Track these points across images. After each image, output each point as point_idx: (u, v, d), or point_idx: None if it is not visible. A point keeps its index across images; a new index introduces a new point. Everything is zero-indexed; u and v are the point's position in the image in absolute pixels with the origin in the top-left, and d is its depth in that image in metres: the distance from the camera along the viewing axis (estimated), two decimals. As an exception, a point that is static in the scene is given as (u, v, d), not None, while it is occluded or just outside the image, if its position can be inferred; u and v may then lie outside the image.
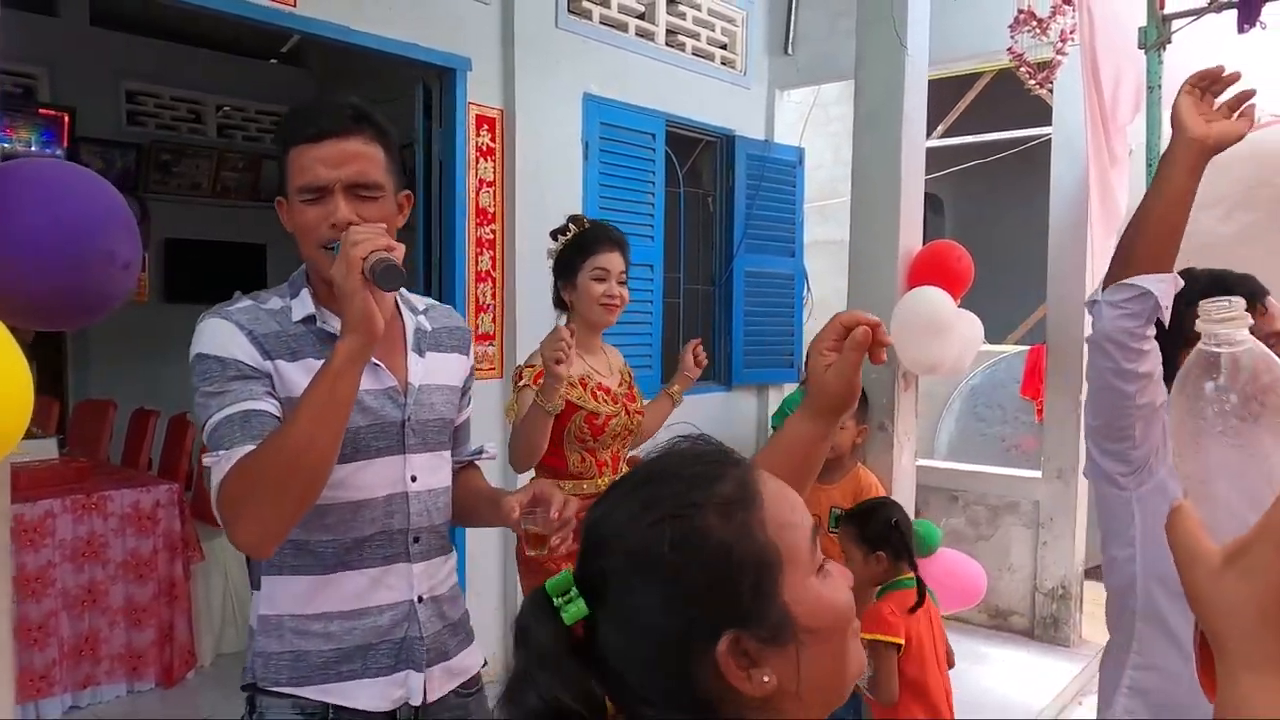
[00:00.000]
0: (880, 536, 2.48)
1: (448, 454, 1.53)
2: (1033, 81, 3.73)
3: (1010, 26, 3.66)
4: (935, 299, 3.16)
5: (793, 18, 5.14)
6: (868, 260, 3.40)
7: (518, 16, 3.81)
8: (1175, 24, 2.80)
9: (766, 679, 0.70)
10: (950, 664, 2.62)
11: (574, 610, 0.73)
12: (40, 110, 5.56)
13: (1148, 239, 1.45)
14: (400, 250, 1.24)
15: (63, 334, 5.74)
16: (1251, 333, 0.62)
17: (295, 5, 3.16)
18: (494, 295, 3.84)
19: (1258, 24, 2.64)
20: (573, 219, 2.47)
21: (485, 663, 1.60)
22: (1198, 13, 2.76)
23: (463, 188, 3.70)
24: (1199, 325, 0.62)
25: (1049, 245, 4.46)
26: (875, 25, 3.37)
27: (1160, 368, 1.46)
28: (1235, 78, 1.48)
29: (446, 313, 1.60)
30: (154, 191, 6.27)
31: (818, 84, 5.32)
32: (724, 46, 4.95)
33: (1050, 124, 4.55)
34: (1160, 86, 2.82)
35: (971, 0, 4.24)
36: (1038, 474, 4.54)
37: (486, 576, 3.82)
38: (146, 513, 3.71)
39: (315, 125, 1.33)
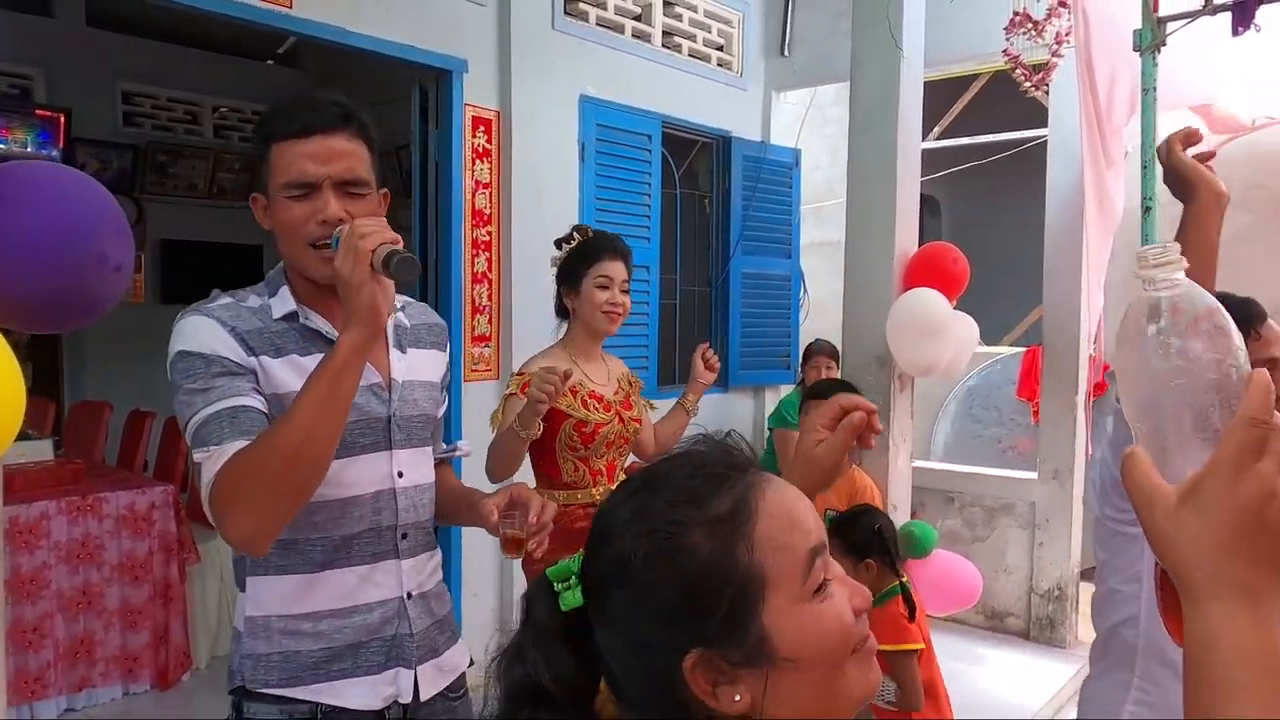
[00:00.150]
0: (866, 544, 2.47)
1: (430, 450, 1.53)
2: (1028, 84, 3.74)
3: (1006, 29, 3.66)
4: (931, 301, 3.16)
5: (789, 19, 5.14)
6: (864, 262, 3.41)
7: (514, 18, 3.81)
8: (1170, 26, 2.80)
9: (738, 698, 0.69)
10: None
11: (570, 599, 0.74)
12: (36, 111, 5.55)
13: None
14: (401, 244, 1.23)
15: (58, 335, 5.74)
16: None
17: (291, 6, 3.16)
18: (490, 297, 3.84)
19: (1252, 27, 2.64)
20: (577, 228, 2.50)
21: (471, 661, 1.58)
22: (1193, 15, 2.76)
23: (459, 189, 3.69)
24: (1137, 272, 0.63)
25: (1045, 247, 4.46)
26: (871, 28, 3.38)
27: None
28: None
29: (423, 309, 1.60)
30: (150, 192, 6.26)
31: (814, 85, 5.32)
32: (720, 48, 4.96)
33: (1046, 126, 4.56)
34: (1155, 89, 2.83)
35: (967, 2, 4.24)
36: (1033, 475, 4.55)
37: (482, 576, 3.82)
38: (142, 514, 3.70)
39: (301, 120, 1.33)
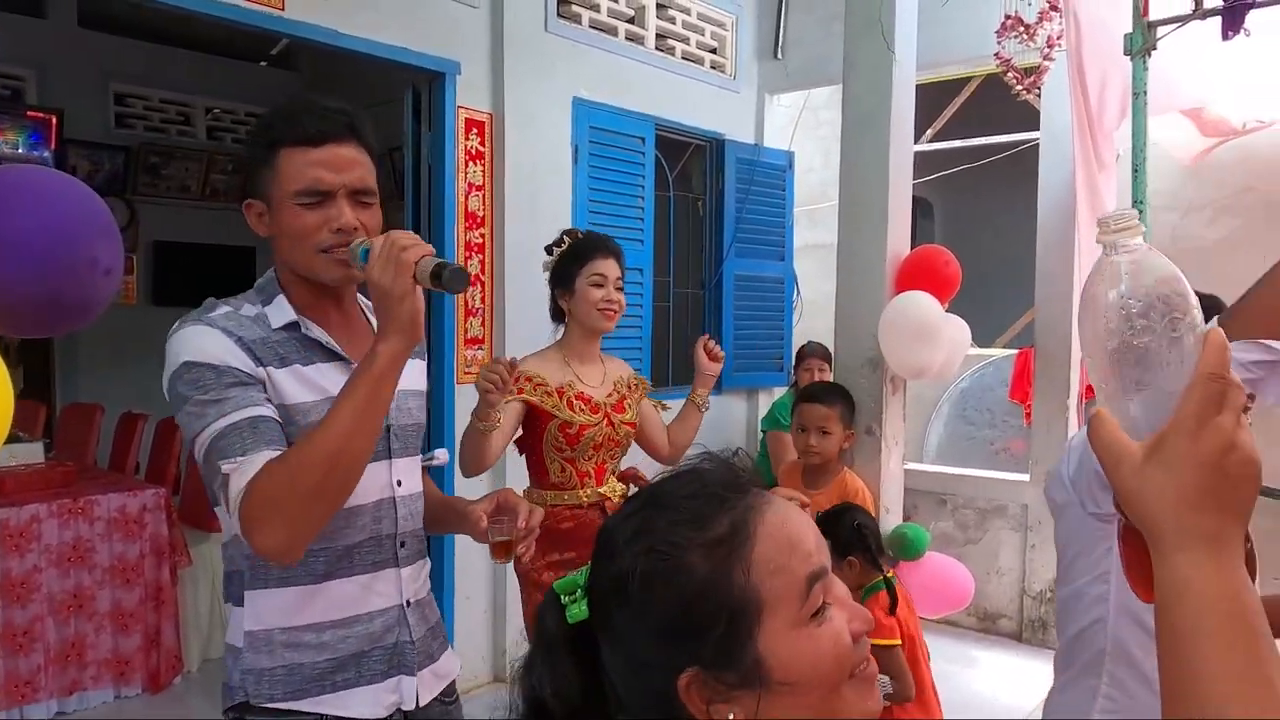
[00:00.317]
0: (848, 541, 2.48)
1: (419, 459, 1.55)
2: (1020, 87, 3.75)
3: (997, 32, 3.67)
4: (923, 304, 3.17)
5: (782, 22, 5.15)
6: (856, 264, 3.41)
7: (507, 20, 3.81)
8: (1161, 31, 2.81)
9: (731, 716, 0.70)
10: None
11: (575, 612, 0.74)
12: (28, 112, 5.53)
13: None
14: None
15: (49, 338, 5.72)
16: None
17: (283, 9, 3.16)
18: (483, 299, 3.83)
19: (1242, 31, 2.66)
20: (566, 232, 2.52)
21: (460, 666, 1.61)
22: (1183, 19, 2.78)
23: (452, 192, 3.69)
24: (1098, 238, 0.65)
25: (1037, 249, 4.48)
26: (863, 31, 3.39)
27: None
28: None
29: None
30: (142, 194, 6.25)
31: (808, 88, 5.33)
32: (714, 50, 4.97)
33: (1038, 129, 4.58)
34: (1145, 93, 2.84)
35: (960, 6, 4.25)
36: (1026, 477, 4.56)
37: (475, 581, 3.82)
38: (133, 517, 3.70)
39: (314, 128, 1.33)
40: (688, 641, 0.70)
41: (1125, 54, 2.86)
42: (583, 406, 2.39)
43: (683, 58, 4.74)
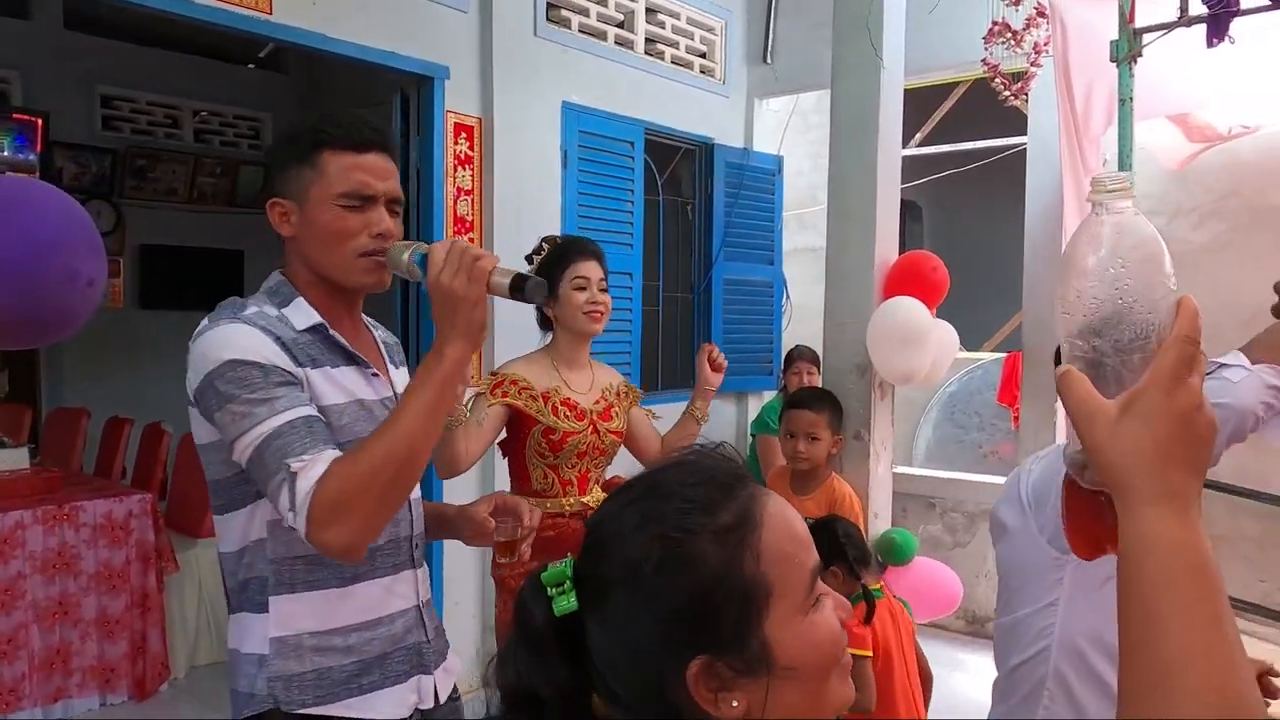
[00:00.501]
0: (831, 552, 2.48)
1: None
2: (1007, 92, 3.76)
3: (985, 38, 3.69)
4: (911, 309, 3.18)
5: (771, 26, 5.16)
6: (844, 270, 3.42)
7: (496, 25, 3.80)
8: (1146, 37, 2.83)
9: (735, 704, 0.70)
10: (924, 675, 2.62)
11: (564, 604, 0.74)
12: (14, 114, 5.49)
13: None
14: None
15: (35, 341, 5.68)
16: None
17: (271, 13, 3.14)
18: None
19: (1226, 39, 2.68)
20: (545, 239, 2.46)
21: (459, 666, 1.65)
22: (1168, 27, 2.80)
23: (441, 196, 3.68)
24: (1090, 195, 0.67)
25: (1025, 253, 4.49)
26: (851, 37, 3.39)
27: None
28: None
29: (386, 330, 1.65)
30: (129, 197, 6.21)
31: (797, 92, 5.34)
32: (703, 55, 4.97)
33: (1026, 134, 4.60)
34: (1131, 99, 2.86)
35: (947, 12, 4.27)
36: (1014, 481, 4.57)
37: (464, 585, 3.81)
38: (119, 523, 3.67)
39: (362, 135, 1.38)
40: (699, 628, 0.70)
41: (1111, 60, 2.88)
42: (568, 413, 2.34)
43: (672, 62, 4.75)
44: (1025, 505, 1.52)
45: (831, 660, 0.75)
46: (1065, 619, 1.43)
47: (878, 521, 3.40)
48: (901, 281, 3.32)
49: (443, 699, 1.50)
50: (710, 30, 4.99)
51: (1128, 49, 2.82)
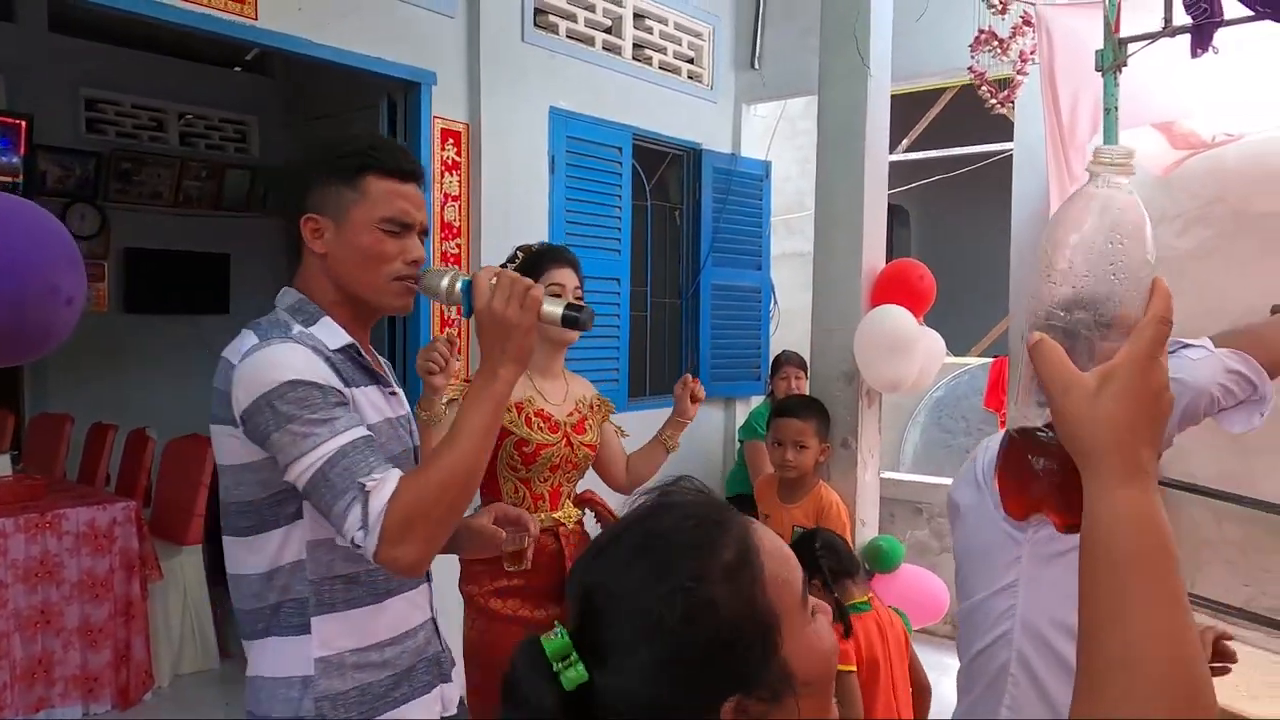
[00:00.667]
0: (809, 566, 2.47)
1: None
2: (994, 100, 3.78)
3: (971, 46, 3.70)
4: (898, 318, 3.18)
5: (759, 33, 5.17)
6: (831, 278, 3.43)
7: (483, 30, 3.80)
8: (1131, 47, 2.84)
9: None
10: (920, 686, 2.60)
11: (573, 675, 0.70)
12: (-3, 118, 5.45)
13: None
14: None
15: (19, 346, 5.62)
16: None
17: (256, 18, 3.13)
18: (458, 311, 3.80)
19: (1210, 49, 2.69)
20: (519, 248, 2.42)
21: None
22: (1153, 37, 2.81)
23: (428, 202, 3.66)
24: (1090, 165, 0.67)
25: (1011, 259, 4.51)
26: (838, 45, 3.40)
27: None
28: None
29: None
30: (114, 200, 6.16)
31: (784, 98, 5.35)
32: (691, 61, 4.97)
33: (1012, 140, 4.61)
34: (1116, 108, 2.87)
35: (934, 20, 4.28)
36: (1001, 486, 4.58)
37: (448, 597, 3.78)
38: (103, 531, 3.64)
39: (408, 165, 1.43)
40: (727, 670, 0.70)
41: (1096, 69, 2.89)
42: (541, 424, 2.27)
43: (660, 68, 4.75)
44: (980, 482, 1.50)
45: (833, 663, 0.76)
46: (1027, 600, 1.40)
47: (865, 529, 3.40)
48: (889, 289, 3.33)
49: (452, 709, 1.55)
50: (698, 36, 4.99)
51: (1113, 58, 2.83)
